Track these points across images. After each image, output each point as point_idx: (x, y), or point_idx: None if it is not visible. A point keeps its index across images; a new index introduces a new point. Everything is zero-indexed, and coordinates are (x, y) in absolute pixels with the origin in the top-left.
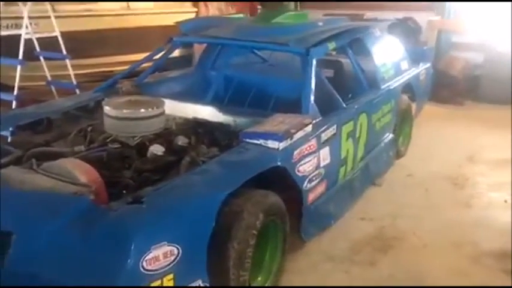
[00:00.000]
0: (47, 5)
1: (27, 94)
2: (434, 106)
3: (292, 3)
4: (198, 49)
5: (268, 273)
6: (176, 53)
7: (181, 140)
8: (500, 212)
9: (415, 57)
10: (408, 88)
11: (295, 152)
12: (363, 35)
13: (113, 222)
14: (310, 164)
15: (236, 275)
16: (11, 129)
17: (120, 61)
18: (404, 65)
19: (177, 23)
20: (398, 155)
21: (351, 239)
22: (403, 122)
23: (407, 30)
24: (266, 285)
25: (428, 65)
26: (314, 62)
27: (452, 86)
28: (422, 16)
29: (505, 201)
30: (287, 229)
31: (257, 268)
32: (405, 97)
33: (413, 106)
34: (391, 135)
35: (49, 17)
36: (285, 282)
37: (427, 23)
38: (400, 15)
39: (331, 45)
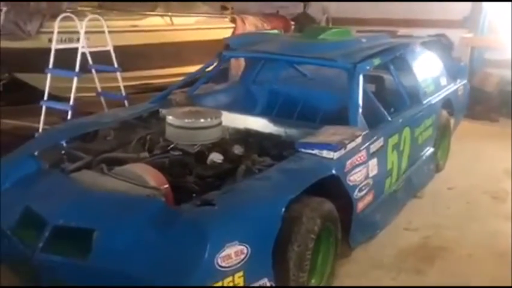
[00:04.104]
0: (101, 21)
1: (78, 104)
2: (469, 122)
3: (323, 20)
4: (234, 64)
5: (321, 276)
6: (211, 67)
7: (237, 149)
8: None
9: (452, 74)
10: (447, 103)
11: (348, 162)
12: (405, 51)
13: (189, 222)
14: (360, 174)
15: (296, 275)
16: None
17: (164, 74)
18: (444, 80)
19: (226, 38)
20: (437, 168)
21: (397, 248)
22: (442, 136)
23: (440, 47)
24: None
25: (465, 81)
26: (361, 76)
27: (486, 102)
28: (455, 33)
29: None
30: (339, 235)
31: (311, 271)
32: (445, 112)
33: (452, 121)
34: (431, 149)
35: (101, 32)
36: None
37: (460, 39)
38: (433, 31)
39: (376, 61)
